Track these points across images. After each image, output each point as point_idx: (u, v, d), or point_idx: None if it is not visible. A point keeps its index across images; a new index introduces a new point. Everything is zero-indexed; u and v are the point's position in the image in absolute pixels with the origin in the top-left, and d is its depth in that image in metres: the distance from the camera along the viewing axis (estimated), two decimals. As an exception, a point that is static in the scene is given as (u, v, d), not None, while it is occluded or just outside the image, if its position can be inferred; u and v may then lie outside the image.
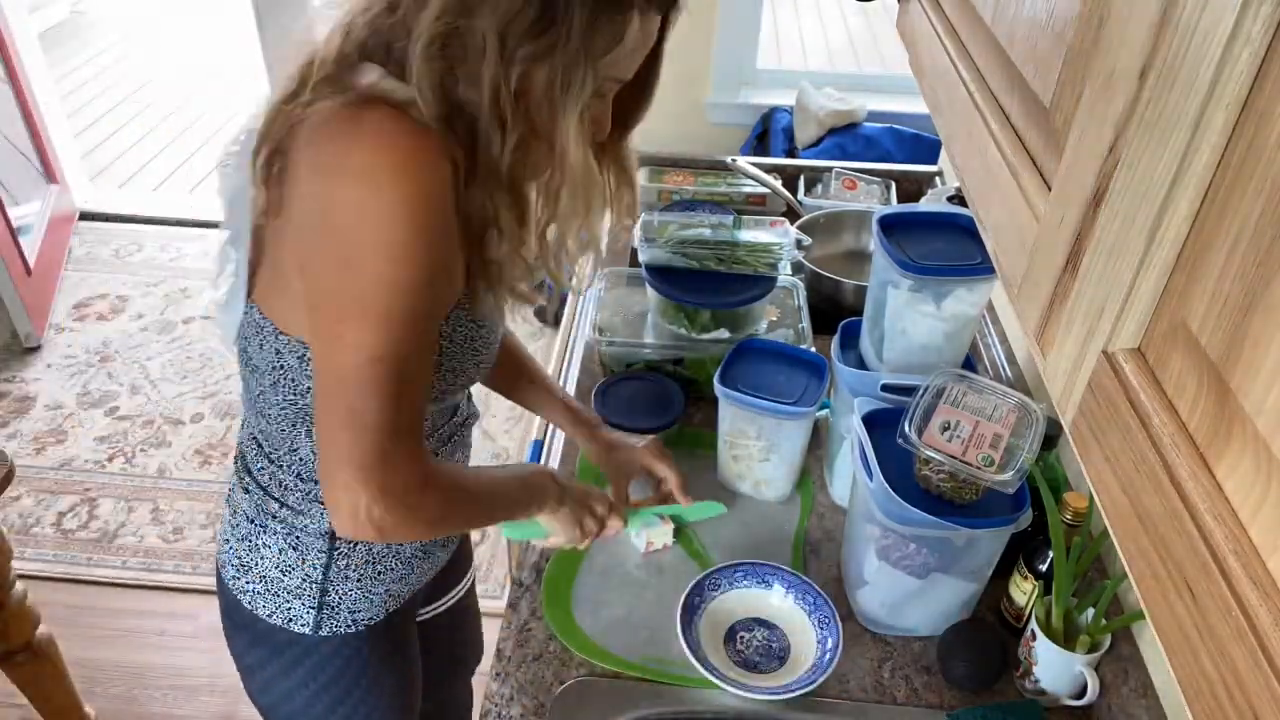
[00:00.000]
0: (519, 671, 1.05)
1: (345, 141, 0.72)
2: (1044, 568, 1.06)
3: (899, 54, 1.05)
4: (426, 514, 0.82)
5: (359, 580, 0.96)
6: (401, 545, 0.98)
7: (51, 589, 2.16)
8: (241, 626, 1.00)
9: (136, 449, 2.56)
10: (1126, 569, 0.43)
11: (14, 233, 2.84)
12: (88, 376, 2.81)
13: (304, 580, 0.94)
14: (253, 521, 0.94)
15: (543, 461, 1.34)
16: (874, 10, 4.94)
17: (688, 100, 2.86)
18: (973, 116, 0.72)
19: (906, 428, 1.00)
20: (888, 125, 2.63)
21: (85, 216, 3.51)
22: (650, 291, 1.45)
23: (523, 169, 0.79)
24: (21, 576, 1.60)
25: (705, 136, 2.85)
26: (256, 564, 0.95)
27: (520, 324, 3.02)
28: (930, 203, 1.80)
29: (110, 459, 2.53)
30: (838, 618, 1.08)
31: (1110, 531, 0.44)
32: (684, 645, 1.04)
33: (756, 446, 1.25)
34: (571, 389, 1.46)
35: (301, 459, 0.90)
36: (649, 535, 1.19)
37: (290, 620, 0.96)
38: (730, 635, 1.10)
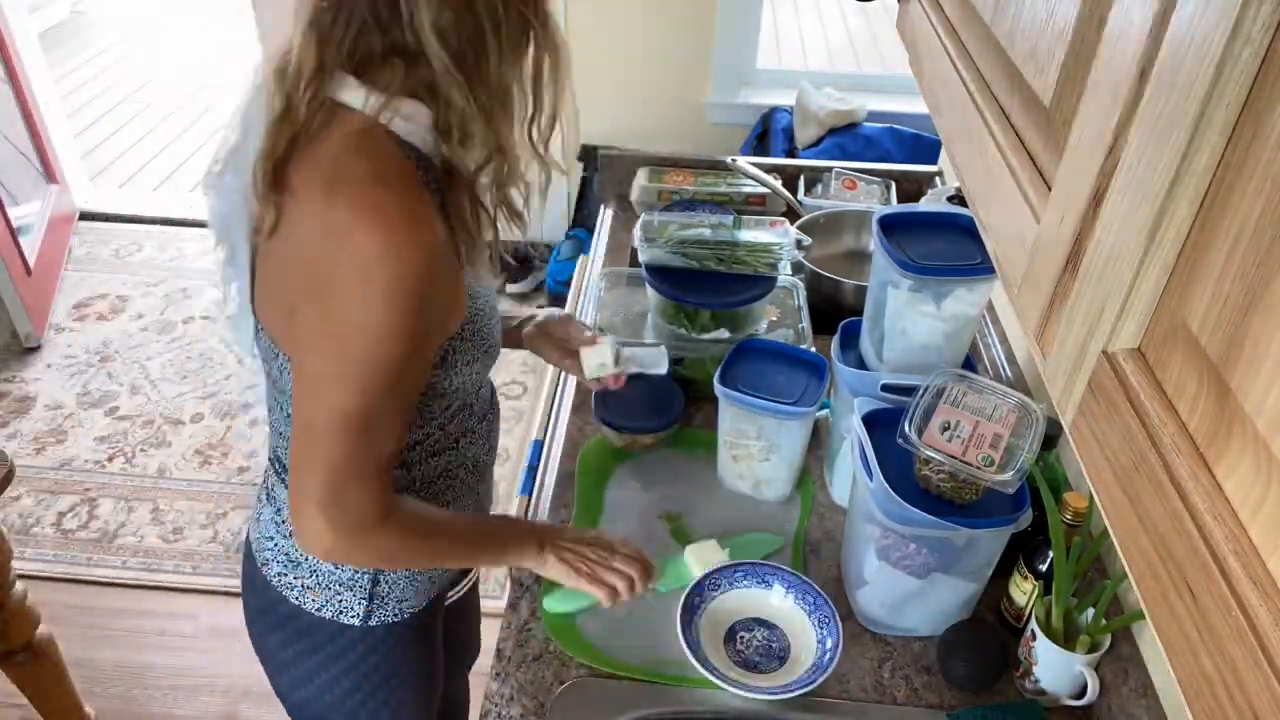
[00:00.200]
0: (519, 671, 1.05)
1: (345, 214, 0.74)
2: (1044, 568, 1.06)
3: (899, 54, 1.05)
4: (379, 547, 0.87)
5: (408, 569, 0.99)
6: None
7: (51, 589, 2.16)
8: (281, 622, 1.01)
9: (136, 449, 2.56)
10: (1126, 569, 0.43)
11: (14, 233, 2.84)
12: (88, 376, 2.81)
13: (356, 572, 0.96)
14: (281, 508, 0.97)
15: (542, 460, 1.34)
16: (874, 10, 4.94)
17: (688, 100, 2.87)
18: (973, 116, 0.72)
19: (906, 428, 1.00)
20: (888, 125, 2.63)
21: (85, 216, 3.51)
22: (650, 291, 1.45)
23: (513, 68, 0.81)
24: (21, 576, 1.60)
25: (705, 136, 2.86)
26: (307, 558, 0.96)
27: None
28: (930, 203, 1.80)
29: (110, 459, 2.53)
30: (838, 618, 1.08)
31: (1110, 531, 0.44)
32: (684, 645, 1.04)
33: (756, 446, 1.25)
34: (571, 389, 1.46)
35: None
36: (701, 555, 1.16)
37: (340, 612, 0.98)
38: (730, 635, 1.10)
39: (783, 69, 3.69)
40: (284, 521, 0.96)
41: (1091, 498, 1.03)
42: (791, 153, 2.65)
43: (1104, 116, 0.48)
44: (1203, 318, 0.40)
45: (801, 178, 1.96)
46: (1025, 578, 1.08)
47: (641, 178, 1.88)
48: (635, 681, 1.05)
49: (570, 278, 1.94)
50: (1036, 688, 1.03)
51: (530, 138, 0.84)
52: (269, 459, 1.01)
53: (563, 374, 1.50)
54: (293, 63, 0.77)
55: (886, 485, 0.99)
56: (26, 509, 2.38)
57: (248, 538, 1.05)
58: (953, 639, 1.06)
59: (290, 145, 0.78)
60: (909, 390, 1.06)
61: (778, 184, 1.85)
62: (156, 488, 2.45)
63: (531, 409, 2.70)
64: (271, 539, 0.99)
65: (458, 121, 0.79)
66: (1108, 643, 1.01)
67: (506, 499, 2.44)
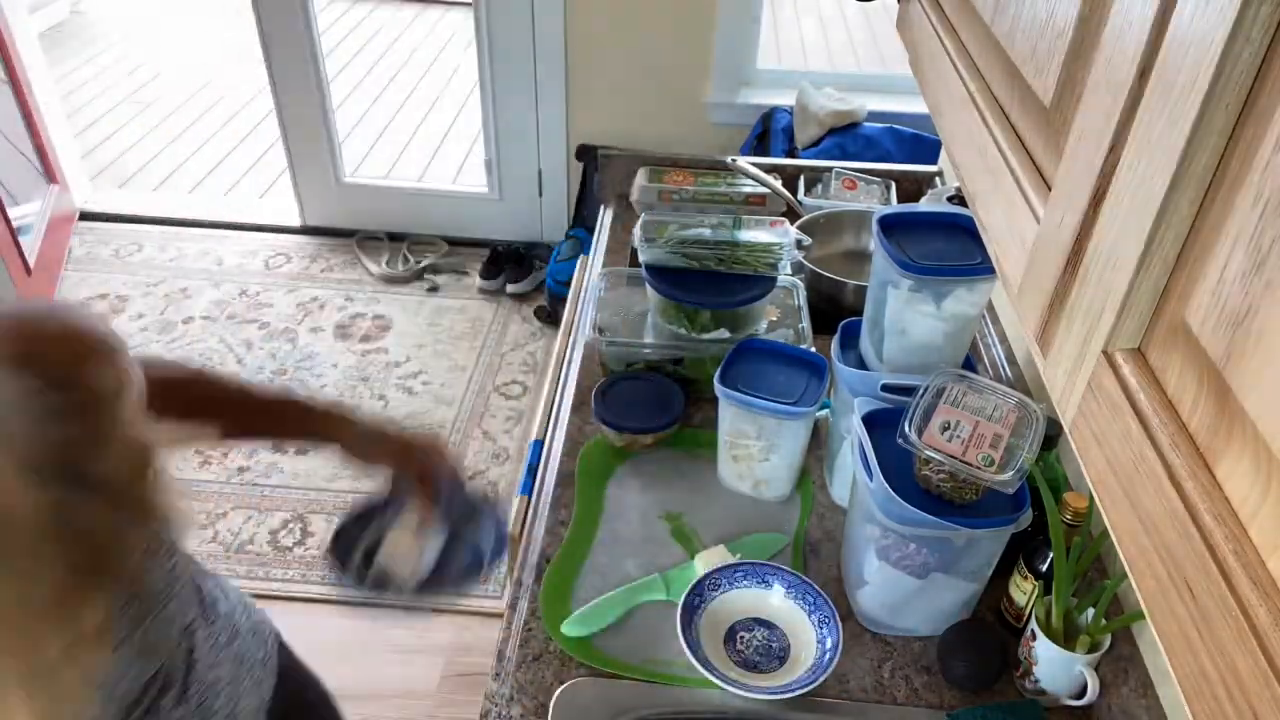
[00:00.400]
0: (519, 671, 1.05)
1: None
2: (1044, 568, 1.06)
3: (899, 54, 1.05)
4: None
5: None
6: None
7: (51, 589, 2.16)
8: None
9: (136, 449, 2.56)
10: (1126, 569, 0.43)
11: (14, 233, 2.84)
12: (88, 376, 2.81)
13: None
14: None
15: (542, 460, 1.35)
16: (874, 10, 4.94)
17: (688, 100, 2.87)
18: (973, 116, 0.72)
19: (906, 428, 1.00)
20: (888, 125, 2.63)
21: (85, 216, 3.51)
22: (650, 291, 1.45)
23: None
24: (21, 576, 1.60)
25: (705, 136, 2.86)
26: None
27: (520, 323, 3.02)
28: (930, 203, 1.80)
29: (110, 459, 2.53)
30: (838, 618, 1.08)
31: (1110, 531, 0.44)
32: (684, 645, 1.04)
33: (756, 446, 1.25)
34: (571, 389, 1.46)
35: None
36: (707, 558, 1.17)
37: None
38: (730, 635, 1.10)
39: (783, 69, 3.69)
40: None
41: (1091, 498, 1.03)
42: (791, 153, 2.65)
43: (1104, 116, 0.48)
44: (1203, 318, 0.40)
45: (801, 178, 1.96)
46: (1025, 578, 1.08)
47: (641, 178, 1.88)
48: (635, 681, 1.05)
49: (570, 278, 1.94)
50: (1036, 688, 1.03)
51: None
52: None
53: (563, 374, 1.50)
54: None
55: (886, 485, 0.99)
56: (26, 509, 2.38)
57: None
58: (953, 639, 1.06)
59: None
60: (909, 390, 1.06)
61: (778, 184, 1.85)
62: (156, 488, 2.45)
63: (531, 409, 2.70)
64: None
65: None
66: (1108, 643, 1.01)
67: (507, 499, 2.44)
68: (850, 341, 1.28)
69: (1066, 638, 1.02)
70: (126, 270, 3.28)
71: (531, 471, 1.34)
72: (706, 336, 1.43)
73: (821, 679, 1.02)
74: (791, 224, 1.54)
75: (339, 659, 2.05)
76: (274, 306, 3.10)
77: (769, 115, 2.77)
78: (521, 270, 3.13)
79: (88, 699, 0.67)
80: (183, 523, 0.75)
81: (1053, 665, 1.01)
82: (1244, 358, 0.36)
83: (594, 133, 2.96)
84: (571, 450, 1.34)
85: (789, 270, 1.47)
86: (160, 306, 3.10)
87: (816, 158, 2.53)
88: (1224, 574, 0.35)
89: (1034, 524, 1.03)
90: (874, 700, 1.05)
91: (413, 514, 0.97)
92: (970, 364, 1.24)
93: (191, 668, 0.83)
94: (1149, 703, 0.99)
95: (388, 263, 3.27)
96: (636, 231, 1.47)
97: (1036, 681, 1.03)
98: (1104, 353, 0.47)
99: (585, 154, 2.97)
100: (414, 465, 0.99)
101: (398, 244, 3.35)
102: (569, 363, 1.52)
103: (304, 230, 3.45)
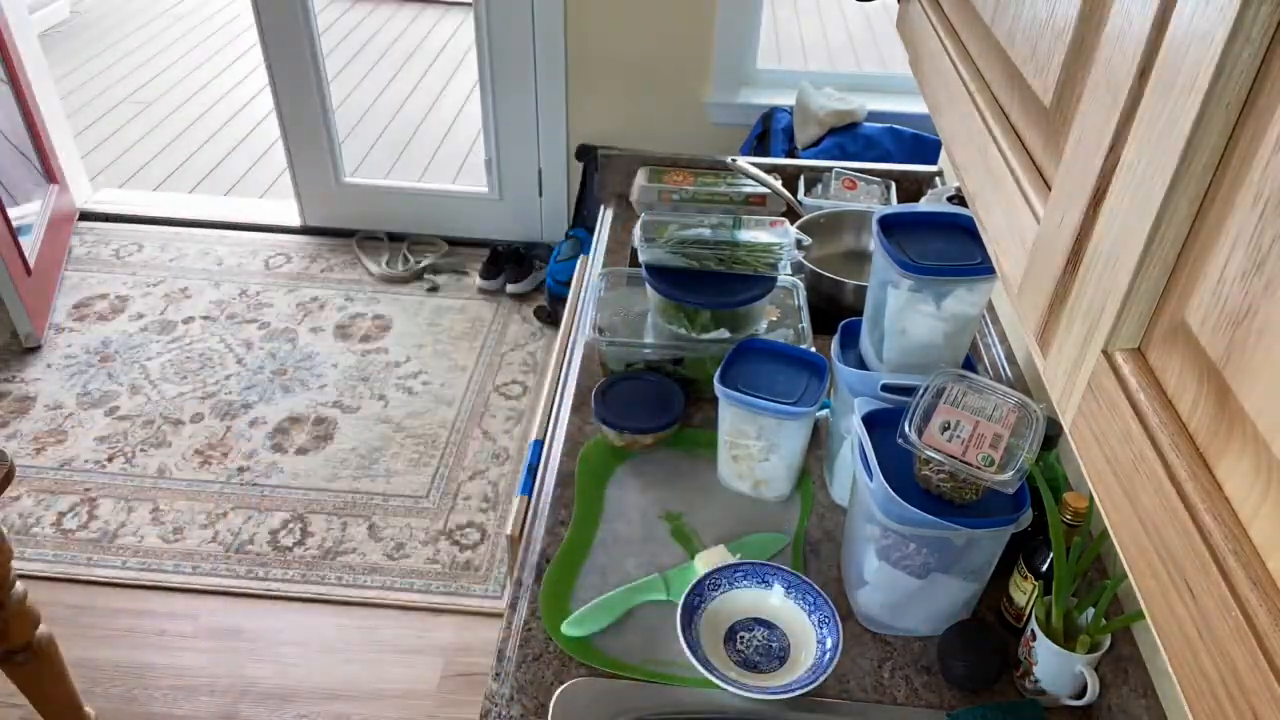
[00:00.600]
0: (519, 671, 1.05)
1: None
2: (1044, 568, 1.06)
3: (899, 54, 1.05)
4: None
5: None
6: None
7: (51, 589, 2.16)
8: None
9: (136, 449, 2.56)
10: (1126, 569, 0.43)
11: (14, 233, 2.84)
12: (88, 376, 2.81)
13: None
14: None
15: (542, 460, 1.35)
16: (874, 10, 4.95)
17: (688, 100, 2.87)
18: (973, 116, 0.72)
19: (906, 428, 1.00)
20: (888, 125, 2.63)
21: (85, 216, 3.51)
22: (650, 291, 1.45)
23: None
24: (21, 576, 1.60)
25: (705, 136, 2.86)
26: None
27: (520, 323, 3.03)
28: (930, 203, 1.80)
29: (110, 459, 2.53)
30: (838, 618, 1.08)
31: (1110, 531, 0.44)
32: (684, 645, 1.04)
33: (756, 446, 1.25)
34: (571, 389, 1.46)
35: None
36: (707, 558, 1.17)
37: None
38: (730, 635, 1.11)
39: (783, 69, 3.68)
40: None
41: (1091, 498, 1.03)
42: (791, 153, 2.65)
43: (1104, 116, 0.48)
44: (1203, 318, 0.40)
45: (801, 178, 1.96)
46: (1025, 578, 1.08)
47: (641, 178, 1.88)
48: (635, 681, 1.05)
49: (570, 278, 1.94)
50: (1036, 688, 1.03)
51: None
52: None
53: (563, 374, 1.50)
54: None
55: (886, 485, 0.99)
56: (26, 509, 2.38)
57: None
58: (953, 639, 1.06)
59: None
60: (909, 390, 1.06)
61: (778, 184, 1.85)
62: (156, 488, 2.45)
63: (531, 409, 2.70)
64: None
65: None
66: (1108, 643, 1.01)
67: (506, 499, 2.44)
68: (850, 341, 1.28)
69: (1066, 638, 1.02)
70: (126, 270, 3.28)
71: (531, 471, 1.34)
72: (706, 336, 1.43)
73: (821, 679, 1.02)
74: (791, 224, 1.54)
75: (339, 659, 2.05)
76: (274, 306, 3.10)
77: (769, 115, 2.77)
78: (521, 270, 3.13)
79: None
80: None
81: (1053, 665, 1.01)
82: (1244, 358, 0.36)
83: (594, 133, 2.96)
84: (571, 450, 1.35)
85: (789, 270, 1.47)
86: (160, 306, 3.10)
87: (816, 158, 2.53)
88: (1224, 574, 0.35)
89: (1034, 524, 1.03)
90: (874, 700, 1.05)
91: None
92: (970, 364, 1.24)
93: None
94: (1149, 703, 0.99)
95: (388, 263, 3.27)
96: (636, 231, 1.47)
97: (1036, 681, 1.03)
98: (1104, 353, 0.47)
99: (585, 154, 2.97)
100: None
101: (398, 244, 3.36)
102: (569, 363, 1.52)
103: (304, 230, 3.45)
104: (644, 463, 1.34)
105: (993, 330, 1.59)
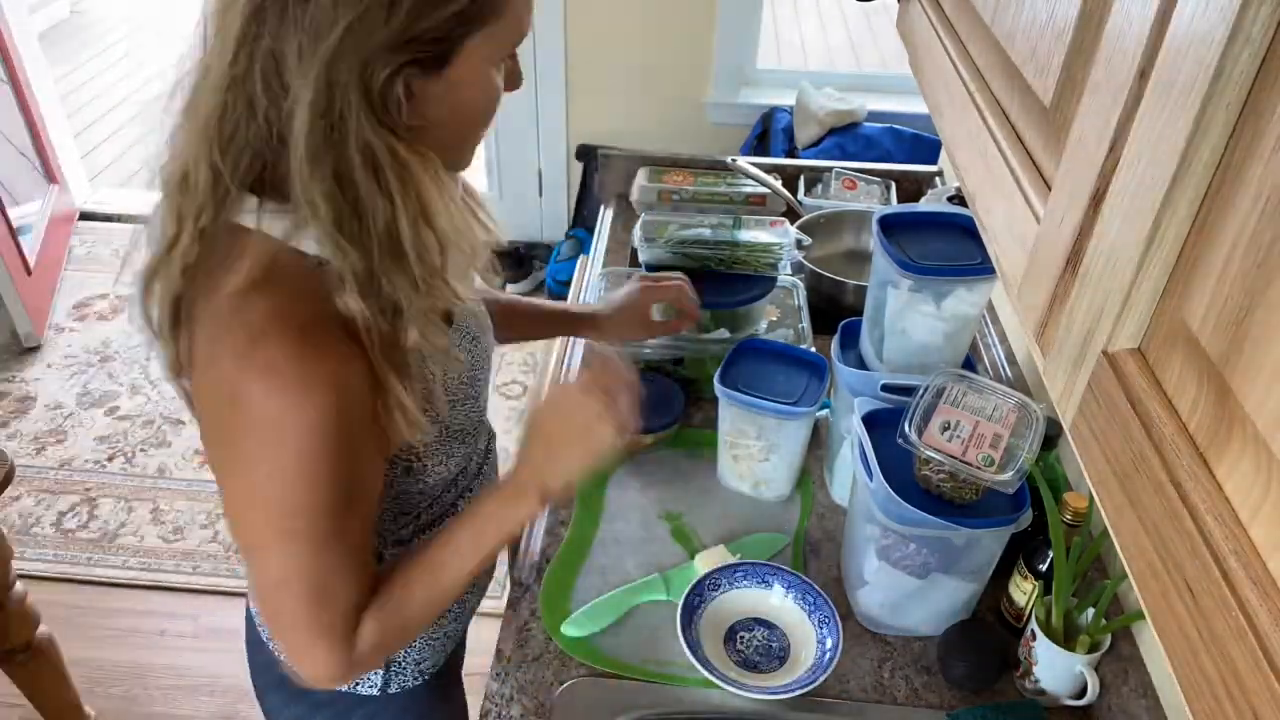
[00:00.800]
0: (519, 671, 1.05)
1: (236, 374, 0.68)
2: (1044, 568, 1.06)
3: (899, 54, 1.05)
4: (375, 653, 0.80)
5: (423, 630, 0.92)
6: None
7: (51, 589, 2.16)
8: (296, 697, 0.96)
9: (136, 449, 2.56)
10: (1126, 569, 0.43)
11: (14, 233, 2.84)
12: (88, 376, 2.81)
13: None
14: None
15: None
16: (874, 10, 4.94)
17: (688, 100, 2.87)
18: (973, 116, 0.72)
19: (906, 428, 1.00)
20: (888, 125, 2.63)
21: (85, 216, 3.51)
22: (650, 291, 1.45)
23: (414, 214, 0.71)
24: (21, 576, 1.60)
25: (705, 136, 2.86)
26: None
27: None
28: (930, 203, 1.80)
29: (110, 459, 2.53)
30: (838, 617, 1.08)
31: (1110, 531, 0.44)
32: (684, 645, 1.04)
33: (756, 446, 1.25)
34: (571, 389, 1.45)
35: None
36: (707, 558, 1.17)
37: (356, 684, 0.94)
38: (730, 635, 1.10)
39: (783, 69, 3.69)
40: None
41: (1091, 498, 1.03)
42: (791, 153, 2.65)
43: (1104, 116, 0.48)
44: (1203, 318, 0.40)
45: (801, 178, 1.96)
46: (1025, 578, 1.08)
47: (641, 178, 1.88)
48: (635, 681, 1.05)
49: (570, 278, 1.94)
50: (1036, 688, 1.03)
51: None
52: None
53: (563, 374, 1.50)
54: (190, 178, 0.70)
55: (886, 485, 0.99)
56: (26, 509, 2.38)
57: (249, 611, 0.99)
58: (953, 639, 1.06)
59: (188, 276, 0.72)
60: (909, 390, 1.06)
61: (778, 184, 1.85)
62: (156, 488, 2.45)
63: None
64: None
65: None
66: (1108, 643, 1.01)
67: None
68: (850, 341, 1.28)
69: (1066, 638, 1.02)
70: (127, 270, 3.27)
71: (531, 471, 1.34)
72: (706, 336, 1.43)
73: (821, 679, 1.02)
74: (791, 224, 1.54)
75: (339, 659, 2.05)
76: (274, 306, 3.10)
77: (769, 115, 2.77)
78: (521, 270, 3.13)
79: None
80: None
81: (1053, 665, 1.01)
82: (1244, 358, 0.36)
83: (594, 133, 2.95)
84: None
85: (789, 270, 1.47)
86: (160, 306, 3.10)
87: (816, 158, 2.53)
88: (1224, 574, 0.35)
89: (1034, 524, 1.03)
90: (874, 700, 1.05)
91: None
92: (970, 364, 1.24)
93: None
94: (1149, 703, 0.99)
95: (388, 263, 3.27)
96: (636, 231, 1.47)
97: (1036, 681, 1.03)
98: (1104, 353, 0.47)
99: (585, 154, 2.97)
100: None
101: (398, 244, 3.35)
102: (569, 363, 1.52)
103: (304, 230, 3.45)
104: (644, 463, 1.34)
105: (993, 330, 1.59)
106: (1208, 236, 0.40)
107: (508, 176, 3.16)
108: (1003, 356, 1.53)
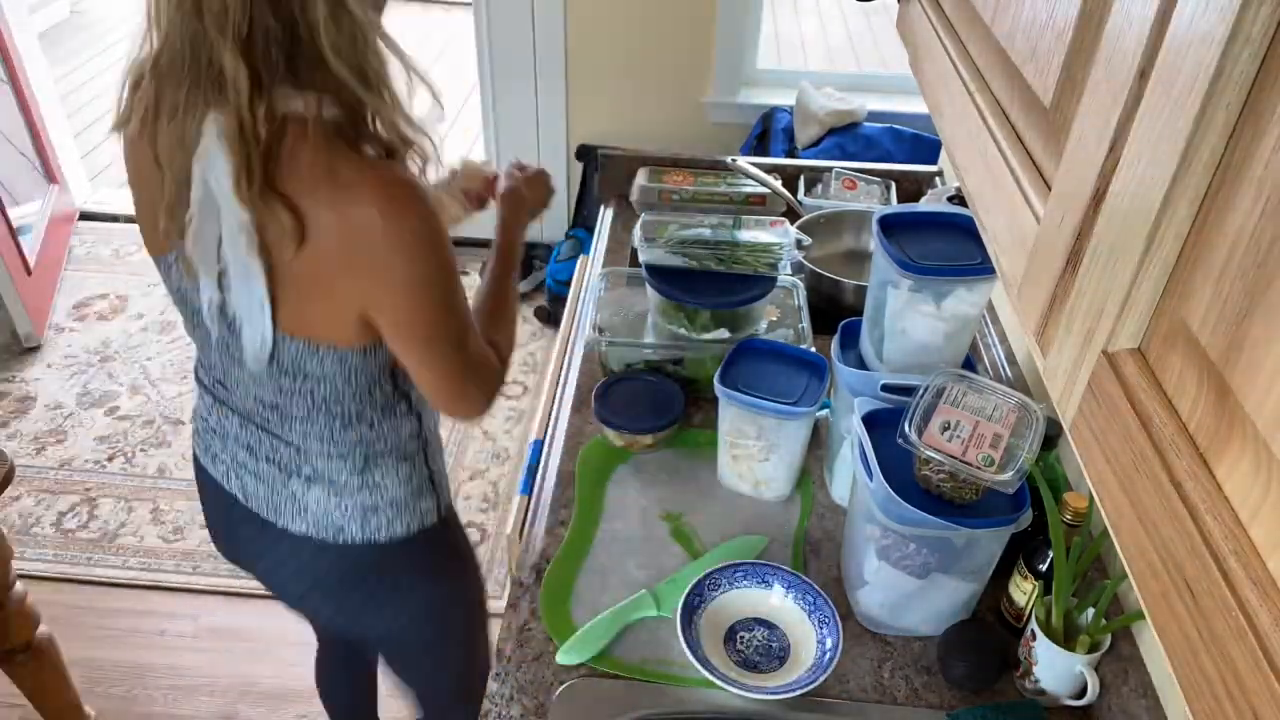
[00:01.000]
0: (519, 671, 1.05)
1: (369, 205, 0.87)
2: (1044, 568, 1.06)
3: (899, 54, 1.05)
4: (505, 365, 1.10)
5: (439, 456, 1.16)
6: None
7: (51, 589, 2.16)
8: (375, 574, 1.14)
9: (136, 449, 2.56)
10: (1126, 569, 0.43)
11: (14, 233, 2.84)
12: (88, 376, 2.81)
13: (420, 478, 1.11)
14: (361, 474, 1.07)
15: (542, 460, 1.35)
16: (874, 10, 4.94)
17: (688, 100, 2.87)
18: (973, 116, 0.72)
19: (906, 428, 1.00)
20: (888, 125, 2.63)
21: (85, 216, 3.51)
22: (650, 291, 1.45)
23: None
24: (21, 576, 1.60)
25: (705, 136, 2.86)
26: (381, 497, 1.08)
27: (520, 323, 3.02)
28: (930, 203, 1.80)
29: (110, 459, 2.53)
30: (838, 617, 1.08)
31: (1110, 531, 0.44)
32: (684, 645, 1.04)
33: (756, 446, 1.25)
34: (571, 389, 1.46)
35: (378, 405, 1.05)
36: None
37: (424, 519, 1.13)
38: (730, 635, 1.10)
39: (783, 69, 3.69)
40: (342, 487, 1.06)
41: (1091, 498, 1.03)
42: (791, 153, 2.64)
43: (1104, 116, 0.48)
44: (1203, 318, 0.40)
45: (801, 178, 1.96)
46: (1025, 578, 1.08)
47: (641, 178, 1.88)
48: (635, 681, 1.05)
49: (570, 278, 1.94)
50: (1036, 688, 1.03)
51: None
52: (292, 455, 1.06)
53: (563, 374, 1.50)
54: (231, 84, 0.82)
55: (886, 485, 0.99)
56: (26, 509, 2.38)
57: (293, 540, 1.10)
58: (953, 639, 1.06)
59: (263, 164, 0.85)
60: (909, 390, 1.06)
61: (778, 184, 1.85)
62: (156, 488, 2.45)
63: (531, 409, 2.70)
64: (338, 509, 1.08)
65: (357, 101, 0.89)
66: (1108, 643, 1.01)
67: (506, 499, 2.44)
68: (850, 341, 1.28)
69: (1066, 638, 1.02)
70: (127, 270, 3.28)
71: (531, 471, 1.34)
72: (706, 336, 1.43)
73: (821, 679, 1.02)
74: (791, 224, 1.54)
75: (339, 659, 2.05)
76: (274, 306, 3.10)
77: (769, 115, 2.77)
78: (521, 270, 3.13)
79: None
80: None
81: (1053, 665, 1.01)
82: (1244, 358, 0.36)
83: (594, 133, 2.95)
84: (571, 450, 1.34)
85: (789, 270, 1.47)
86: (160, 306, 3.10)
87: (816, 158, 2.53)
88: (1224, 574, 0.35)
89: (1034, 524, 1.03)
90: (874, 700, 1.05)
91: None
92: (970, 364, 1.24)
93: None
94: (1149, 703, 0.99)
95: (388, 263, 3.27)
96: (636, 231, 1.47)
97: (1036, 681, 1.03)
98: (1104, 353, 0.47)
99: (585, 154, 2.97)
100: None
101: (398, 244, 3.35)
102: (569, 363, 1.52)
103: (304, 230, 3.45)
104: (644, 463, 1.34)
105: (993, 330, 1.59)
106: (1208, 236, 0.40)
107: (508, 176, 3.16)
108: (1003, 356, 1.53)
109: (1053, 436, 1.20)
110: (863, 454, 1.04)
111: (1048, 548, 1.04)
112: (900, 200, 1.94)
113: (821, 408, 1.27)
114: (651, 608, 1.12)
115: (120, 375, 2.82)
